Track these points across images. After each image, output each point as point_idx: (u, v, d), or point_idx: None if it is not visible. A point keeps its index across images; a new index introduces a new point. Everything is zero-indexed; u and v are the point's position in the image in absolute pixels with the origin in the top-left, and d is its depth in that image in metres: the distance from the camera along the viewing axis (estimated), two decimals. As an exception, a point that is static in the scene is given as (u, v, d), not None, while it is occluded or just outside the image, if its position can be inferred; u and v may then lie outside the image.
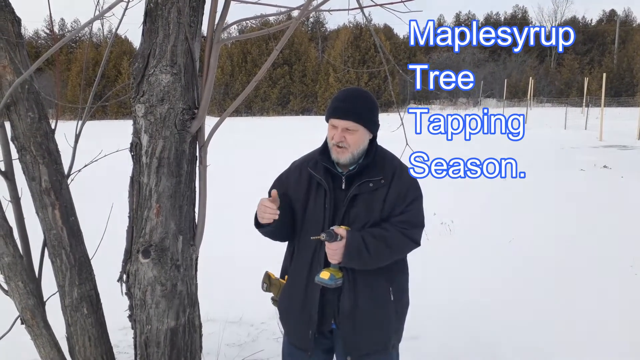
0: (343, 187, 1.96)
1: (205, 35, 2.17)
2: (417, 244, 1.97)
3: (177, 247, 2.27)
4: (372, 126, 1.97)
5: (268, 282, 2.10)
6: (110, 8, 1.99)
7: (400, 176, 1.98)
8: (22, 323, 2.16)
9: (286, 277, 2.08)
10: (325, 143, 2.02)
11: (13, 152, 2.11)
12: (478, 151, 13.34)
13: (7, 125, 2.10)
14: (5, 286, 2.09)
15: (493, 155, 3.54)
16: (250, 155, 13.81)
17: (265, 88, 38.93)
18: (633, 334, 3.45)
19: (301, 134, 20.15)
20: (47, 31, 44.51)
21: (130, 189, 2.23)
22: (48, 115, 2.14)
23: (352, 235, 1.85)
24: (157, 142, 2.12)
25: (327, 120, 1.98)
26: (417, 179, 2.03)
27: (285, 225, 2.02)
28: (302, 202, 2.01)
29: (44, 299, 2.31)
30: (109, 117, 38.97)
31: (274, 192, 1.92)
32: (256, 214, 1.98)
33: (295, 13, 2.11)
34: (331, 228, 1.85)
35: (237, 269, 4.57)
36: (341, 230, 1.85)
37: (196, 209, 2.36)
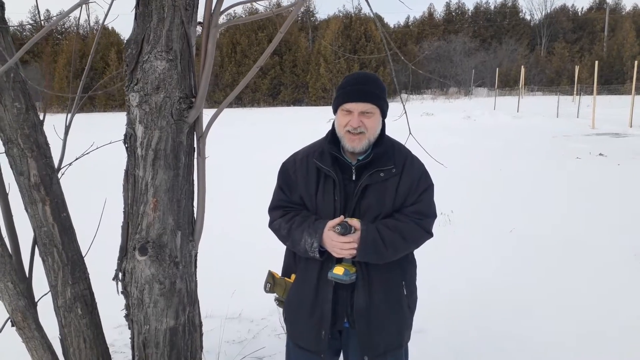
0: (353, 177, 1.86)
1: (202, 19, 2.04)
2: (430, 234, 1.90)
3: (175, 243, 2.16)
4: (386, 108, 1.89)
5: (272, 281, 1.99)
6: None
7: (411, 165, 1.89)
8: (12, 325, 2.04)
9: (293, 275, 1.97)
10: (331, 133, 1.91)
11: (-1, 145, 1.98)
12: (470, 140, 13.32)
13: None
14: (-7, 287, 1.96)
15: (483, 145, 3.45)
16: (246, 147, 13.65)
17: (255, 79, 38.55)
18: None
19: (293, 125, 20.01)
20: (32, 22, 43.69)
21: (125, 183, 2.11)
22: (36, 107, 2.01)
23: (367, 227, 1.77)
24: (153, 133, 2.01)
25: (336, 109, 1.88)
26: (427, 169, 1.94)
27: None
28: (313, 197, 1.91)
29: (36, 300, 2.20)
30: (97, 110, 38.46)
31: (339, 219, 1.78)
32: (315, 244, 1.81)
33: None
34: (345, 220, 1.76)
35: (234, 263, 4.48)
36: (356, 222, 1.76)
37: (195, 203, 2.26)
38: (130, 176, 2.10)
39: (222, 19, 2.03)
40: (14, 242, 2.09)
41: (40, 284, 2.18)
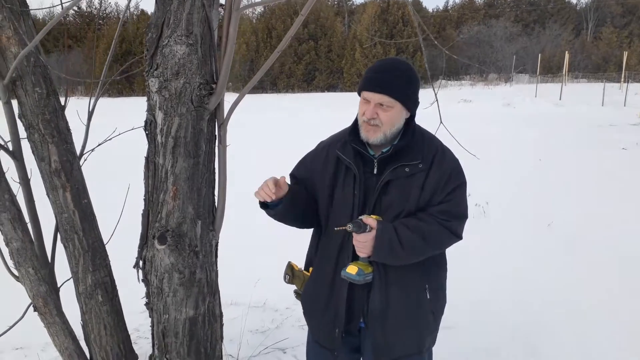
0: (375, 171, 1.74)
1: (223, 2, 1.96)
2: (458, 237, 1.74)
3: (195, 232, 2.12)
4: (411, 103, 1.71)
5: (291, 273, 1.92)
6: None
7: (441, 160, 1.73)
8: (34, 310, 2.05)
9: (311, 269, 1.89)
10: (356, 121, 1.79)
11: (21, 130, 1.97)
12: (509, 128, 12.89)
13: (15, 102, 1.96)
14: (16, 272, 1.97)
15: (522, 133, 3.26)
16: (274, 134, 13.62)
17: (290, 64, 38.48)
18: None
19: (327, 111, 19.86)
20: (76, 8, 44.81)
21: (146, 170, 2.08)
22: (57, 92, 1.99)
23: (383, 226, 1.64)
24: (173, 120, 1.95)
25: (359, 93, 1.75)
26: (460, 164, 1.79)
27: (295, 212, 1.82)
28: (328, 188, 1.80)
29: (58, 285, 2.21)
30: (136, 94, 39.19)
31: (283, 178, 1.75)
32: None
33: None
34: (359, 217, 1.65)
35: (261, 251, 4.45)
36: (371, 220, 1.64)
37: (216, 192, 2.20)
38: (150, 163, 2.06)
39: (244, 2, 1.94)
40: (36, 228, 2.09)
41: (64, 269, 2.18)
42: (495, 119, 15.53)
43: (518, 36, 42.90)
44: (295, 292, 1.96)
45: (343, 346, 1.84)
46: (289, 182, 1.93)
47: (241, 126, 13.99)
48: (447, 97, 22.73)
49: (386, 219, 1.69)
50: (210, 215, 2.17)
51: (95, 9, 47.01)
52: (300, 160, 1.98)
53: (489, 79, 40.44)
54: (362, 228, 1.63)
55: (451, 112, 17.15)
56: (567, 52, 29.98)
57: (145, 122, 2.02)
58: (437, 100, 2.92)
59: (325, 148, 1.89)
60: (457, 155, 1.85)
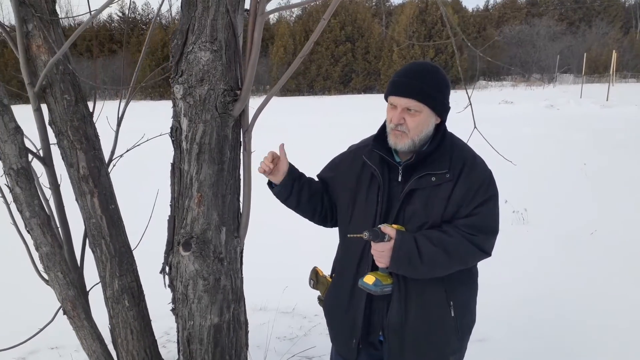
0: (399, 179, 1.67)
1: (248, 7, 1.94)
2: (486, 253, 1.63)
3: (220, 239, 2.11)
4: (440, 108, 1.64)
5: (315, 279, 1.88)
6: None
7: (471, 170, 1.63)
8: (64, 313, 2.08)
9: (334, 276, 1.85)
10: (383, 127, 1.73)
11: (51, 136, 2.01)
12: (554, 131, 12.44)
13: (45, 108, 1.99)
14: (46, 276, 2.01)
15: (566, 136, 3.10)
16: (306, 137, 13.59)
17: (327, 66, 38.53)
18: None
19: (363, 114, 19.75)
20: (120, 14, 46.36)
21: (172, 177, 2.08)
22: (85, 99, 2.02)
23: (402, 236, 1.56)
24: (197, 127, 1.95)
25: (386, 98, 1.69)
26: (493, 175, 1.69)
27: (298, 198, 1.89)
28: (351, 192, 1.75)
29: (87, 289, 2.24)
30: (167, 98, 40.13)
31: (282, 146, 1.89)
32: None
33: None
34: (378, 226, 1.59)
35: (292, 256, 4.42)
36: (390, 229, 1.57)
37: (241, 199, 2.19)
38: (176, 170, 2.06)
39: (269, 6, 1.92)
40: (66, 232, 2.13)
41: (94, 273, 2.20)
42: (537, 121, 15.03)
43: (562, 35, 41.50)
44: (319, 298, 1.92)
45: (364, 358, 1.78)
46: (322, 173, 1.98)
47: (277, 129, 14.08)
48: (487, 98, 22.20)
49: (409, 229, 1.62)
50: (235, 221, 2.16)
51: (139, 14, 48.45)
52: (329, 162, 1.95)
53: (532, 80, 39.29)
54: (380, 237, 1.56)
55: (491, 113, 16.74)
56: (614, 51, 28.75)
57: (171, 128, 2.02)
58: (470, 104, 2.81)
59: (353, 151, 1.85)
60: (492, 160, 1.75)
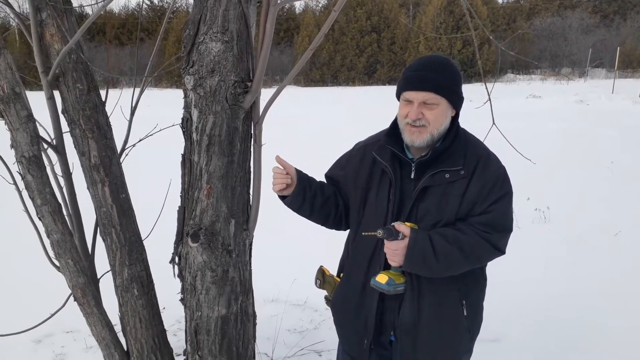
0: (412, 176, 1.63)
1: (261, -3, 1.91)
2: (500, 251, 1.60)
3: (229, 231, 2.10)
4: (456, 99, 1.61)
5: (322, 278, 1.86)
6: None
7: (485, 167, 1.60)
8: (74, 300, 2.11)
9: (342, 275, 1.82)
10: (394, 124, 1.69)
11: (64, 125, 2.02)
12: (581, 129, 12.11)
13: (58, 97, 2.01)
14: (57, 262, 2.03)
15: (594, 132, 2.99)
16: (330, 128, 13.49)
17: (352, 57, 38.23)
18: None
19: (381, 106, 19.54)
20: (148, 2, 46.80)
21: (182, 167, 2.08)
22: (98, 88, 2.02)
23: (416, 234, 1.54)
24: (207, 118, 1.94)
25: (398, 96, 1.65)
26: (507, 172, 1.64)
27: (310, 205, 1.82)
28: (362, 191, 1.71)
29: (98, 277, 2.26)
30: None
31: (284, 162, 1.81)
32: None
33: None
34: (392, 224, 1.56)
35: (305, 249, 4.41)
36: (404, 227, 1.54)
37: (251, 191, 2.18)
38: (187, 161, 2.06)
39: (282, -3, 1.88)
40: (77, 220, 2.15)
41: (106, 261, 2.22)
42: (565, 116, 14.64)
43: (595, 28, 40.26)
44: (326, 297, 1.90)
45: (373, 359, 1.76)
46: (331, 173, 1.93)
47: (297, 120, 14.05)
48: (514, 92, 21.74)
49: (422, 227, 1.59)
50: (244, 214, 2.15)
51: (167, 2, 48.85)
52: (336, 160, 1.91)
53: (562, 74, 38.29)
54: (394, 235, 1.53)
55: (517, 108, 16.38)
56: (650, 45, 27.74)
57: (182, 119, 2.02)
58: (489, 99, 2.74)
59: (361, 149, 1.80)
60: (514, 158, 1.69)
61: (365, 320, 1.68)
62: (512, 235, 1.66)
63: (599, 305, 3.47)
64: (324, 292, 1.96)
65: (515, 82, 31.53)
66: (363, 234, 1.61)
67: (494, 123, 2.62)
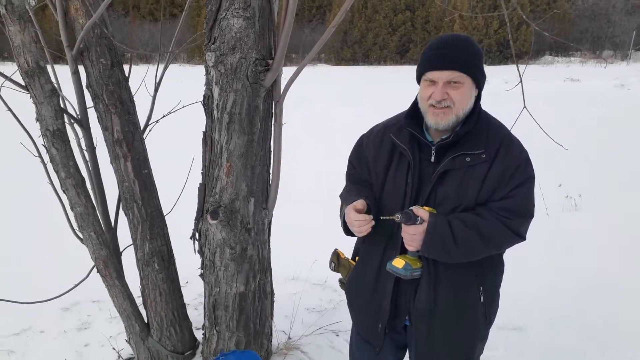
0: (432, 159, 1.58)
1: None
2: (521, 237, 1.55)
3: (248, 209, 2.11)
4: (480, 77, 1.53)
5: (336, 261, 1.84)
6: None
7: (507, 151, 1.53)
8: (97, 272, 2.16)
9: (357, 258, 1.79)
10: (414, 105, 1.63)
11: (88, 100, 2.05)
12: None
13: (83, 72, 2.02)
14: (80, 235, 2.08)
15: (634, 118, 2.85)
16: (346, 107, 13.28)
17: (384, 35, 37.53)
18: None
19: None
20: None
21: (204, 145, 2.08)
22: (121, 63, 2.03)
23: (435, 219, 1.49)
24: (228, 96, 1.93)
25: (419, 78, 1.58)
26: (529, 156, 1.58)
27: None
28: (382, 174, 1.66)
29: (121, 250, 2.31)
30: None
31: (360, 202, 1.58)
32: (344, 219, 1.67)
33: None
34: (410, 208, 1.52)
35: (328, 228, 4.40)
36: (422, 211, 1.50)
37: (271, 171, 2.17)
38: (208, 138, 2.06)
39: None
40: (101, 194, 2.19)
41: (129, 235, 2.26)
42: (604, 100, 14.06)
43: (642, 8, 38.31)
44: (340, 281, 1.88)
45: (387, 343, 1.75)
46: (350, 171, 1.84)
47: (325, 101, 13.94)
48: (551, 75, 20.99)
49: (441, 212, 1.54)
50: (263, 193, 2.15)
51: (200, -22, 48.77)
52: (355, 145, 1.84)
53: (602, 57, 36.76)
54: (412, 219, 1.50)
55: (554, 91, 15.83)
56: (701, 27, 26.27)
57: (204, 96, 2.01)
58: (521, 81, 2.65)
59: (379, 132, 1.75)
60: (542, 143, 1.59)
61: (379, 304, 1.67)
62: (539, 222, 1.60)
63: (634, 300, 3.35)
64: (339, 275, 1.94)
65: (553, 64, 30.43)
66: (381, 217, 1.58)
67: (524, 106, 2.53)
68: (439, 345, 1.63)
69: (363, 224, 1.54)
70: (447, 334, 1.63)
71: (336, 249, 1.86)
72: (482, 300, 1.61)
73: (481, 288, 1.61)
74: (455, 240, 1.49)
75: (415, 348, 1.66)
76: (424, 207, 1.55)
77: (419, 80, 1.58)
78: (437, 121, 1.53)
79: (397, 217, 1.50)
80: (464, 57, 1.48)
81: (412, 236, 1.51)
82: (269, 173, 2.15)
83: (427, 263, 1.58)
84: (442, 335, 1.63)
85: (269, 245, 2.29)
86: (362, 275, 1.72)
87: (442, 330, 1.62)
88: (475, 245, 1.51)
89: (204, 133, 2.06)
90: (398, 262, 1.56)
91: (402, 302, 1.66)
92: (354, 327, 1.90)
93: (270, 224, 2.25)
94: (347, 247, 1.93)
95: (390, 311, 1.66)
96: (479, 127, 1.56)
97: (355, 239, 1.85)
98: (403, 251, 1.60)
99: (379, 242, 1.67)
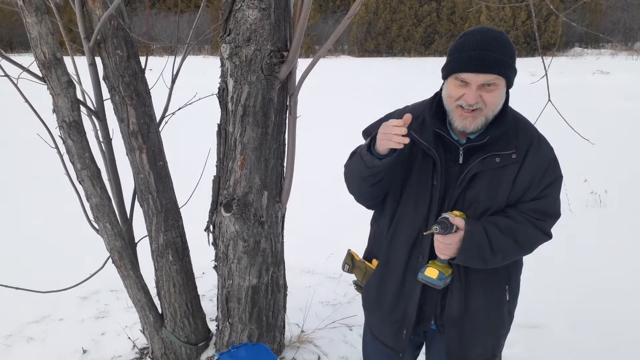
0: (460, 160, 1.50)
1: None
2: (549, 237, 1.52)
3: (261, 202, 2.10)
4: (513, 78, 1.46)
5: (351, 263, 1.80)
6: None
7: (537, 150, 1.48)
8: (112, 262, 2.19)
9: (375, 261, 1.74)
10: (438, 101, 1.53)
11: (104, 91, 2.06)
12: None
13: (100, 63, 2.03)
14: (96, 225, 2.11)
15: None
16: (364, 100, 13.13)
17: (409, 27, 37.05)
18: None
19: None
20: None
21: (218, 137, 2.08)
22: (138, 55, 2.03)
23: (472, 227, 1.43)
24: (243, 88, 1.91)
25: (447, 76, 1.47)
26: (556, 156, 1.52)
27: (387, 176, 1.54)
28: (402, 173, 1.58)
29: (136, 241, 2.33)
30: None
31: (408, 116, 1.40)
32: (368, 146, 1.50)
33: None
34: (444, 216, 1.45)
35: (344, 222, 4.38)
36: (458, 220, 1.44)
37: (285, 164, 2.15)
38: (222, 130, 2.05)
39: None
40: (117, 185, 2.21)
41: (144, 226, 2.28)
42: (635, 94, 13.65)
43: (678, -2, 36.92)
44: (355, 282, 1.84)
45: (407, 346, 1.72)
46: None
47: (349, 91, 13.84)
48: (580, 67, 20.44)
49: (469, 215, 1.48)
50: (277, 186, 2.14)
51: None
52: (379, 120, 1.70)
53: (635, 48, 35.62)
54: (449, 228, 1.43)
55: (581, 84, 15.41)
56: None
57: (219, 88, 2.00)
58: (546, 74, 2.56)
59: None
60: (568, 138, 1.52)
61: (405, 310, 1.62)
62: (562, 218, 1.57)
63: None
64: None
65: (583, 56, 29.60)
66: (424, 234, 1.52)
67: (549, 99, 2.45)
68: (470, 347, 1.61)
69: (398, 131, 1.37)
70: (477, 336, 1.60)
71: (350, 250, 1.82)
72: (507, 298, 1.60)
73: (507, 287, 1.59)
74: (492, 248, 1.44)
75: (448, 350, 1.62)
76: (454, 212, 1.49)
77: (445, 77, 1.49)
78: (466, 124, 1.44)
79: (436, 229, 1.42)
80: (502, 59, 1.39)
81: (447, 245, 1.45)
82: (282, 166, 2.14)
83: (458, 269, 1.53)
84: (473, 339, 1.60)
85: (283, 238, 2.28)
86: (385, 280, 1.66)
87: (473, 333, 1.59)
88: (511, 251, 1.48)
89: (219, 125, 2.05)
90: (431, 272, 1.50)
91: (428, 308, 1.61)
92: (369, 328, 1.87)
93: (283, 217, 2.24)
94: (360, 243, 1.90)
95: (416, 316, 1.62)
96: (507, 126, 1.48)
97: (365, 240, 1.81)
98: (431, 256, 1.55)
99: (403, 248, 1.60)
